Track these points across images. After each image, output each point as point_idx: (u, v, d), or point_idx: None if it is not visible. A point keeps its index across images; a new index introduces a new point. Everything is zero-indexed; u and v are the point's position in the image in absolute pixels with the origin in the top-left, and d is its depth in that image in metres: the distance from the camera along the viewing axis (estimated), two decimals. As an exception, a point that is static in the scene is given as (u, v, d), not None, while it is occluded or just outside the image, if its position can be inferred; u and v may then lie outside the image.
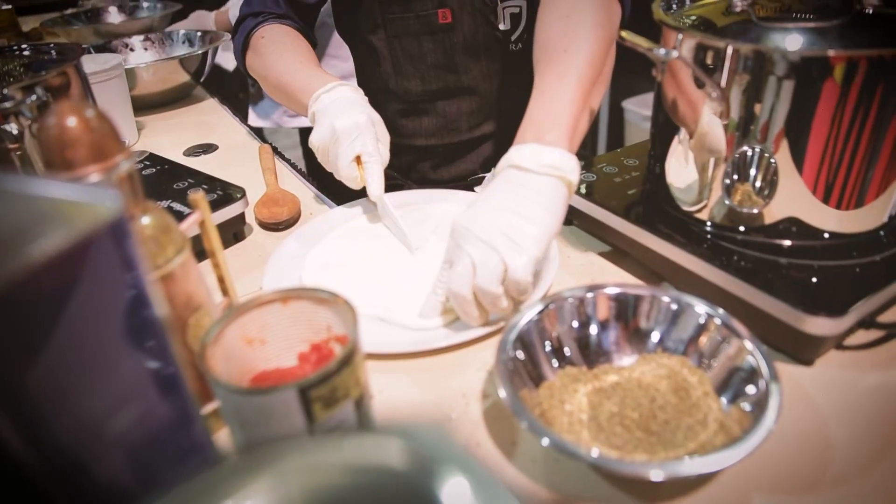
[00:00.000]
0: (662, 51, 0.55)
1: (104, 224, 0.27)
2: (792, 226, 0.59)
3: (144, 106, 1.38)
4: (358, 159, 0.78)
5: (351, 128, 0.77)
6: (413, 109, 1.06)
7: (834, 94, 0.52)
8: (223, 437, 0.53)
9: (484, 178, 0.98)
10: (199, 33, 1.59)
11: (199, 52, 1.43)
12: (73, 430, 0.28)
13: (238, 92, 2.09)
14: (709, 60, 0.56)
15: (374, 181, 0.78)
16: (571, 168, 0.60)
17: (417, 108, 1.06)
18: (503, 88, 1.03)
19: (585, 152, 3.50)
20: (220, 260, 0.58)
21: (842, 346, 0.57)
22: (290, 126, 1.83)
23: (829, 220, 0.59)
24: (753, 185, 0.59)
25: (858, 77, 0.52)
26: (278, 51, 0.93)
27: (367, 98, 0.84)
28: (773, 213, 0.59)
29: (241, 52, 1.00)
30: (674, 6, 0.68)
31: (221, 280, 0.59)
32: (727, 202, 0.61)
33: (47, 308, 0.26)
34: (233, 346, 0.47)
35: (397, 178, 1.14)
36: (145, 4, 2.18)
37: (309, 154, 1.77)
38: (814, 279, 0.56)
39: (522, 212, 0.57)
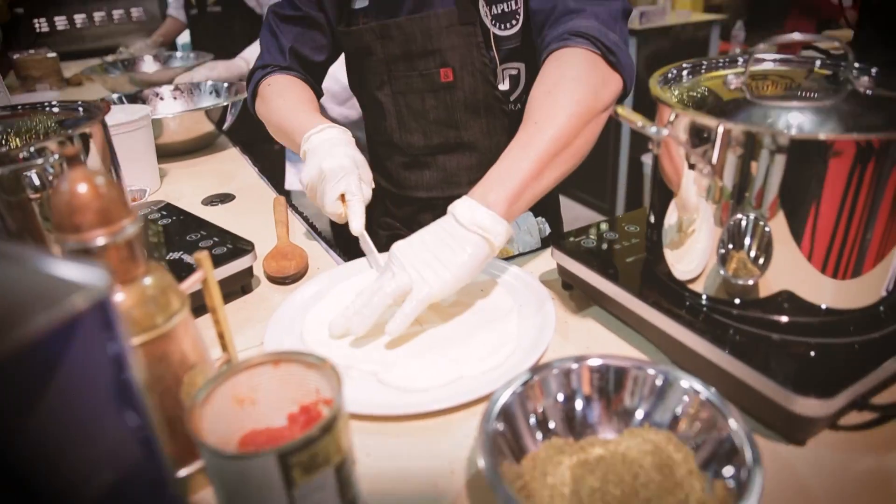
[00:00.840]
0: (653, 128, 0.56)
1: (91, 303, 0.28)
2: (788, 300, 0.59)
3: (169, 153, 1.44)
4: (342, 197, 0.84)
5: (336, 169, 0.84)
6: (415, 162, 1.10)
7: (822, 174, 0.53)
8: (209, 495, 0.53)
9: None
10: (225, 84, 1.66)
11: (225, 103, 1.49)
12: (50, 497, 0.29)
13: (276, 142, 2.16)
14: (700, 138, 0.58)
15: (356, 218, 0.84)
16: (498, 232, 0.70)
17: (419, 162, 1.09)
18: (502, 146, 1.05)
19: (605, 204, 3.53)
20: (220, 317, 0.60)
21: (836, 427, 0.57)
22: None
23: (825, 292, 0.58)
24: (748, 255, 0.59)
25: (846, 158, 0.53)
26: (281, 97, 1.03)
27: (353, 139, 0.92)
28: (769, 285, 0.59)
29: (251, 100, 1.10)
30: (683, 76, 0.70)
31: (221, 336, 0.61)
32: (722, 272, 0.62)
33: (32, 380, 0.27)
34: (223, 406, 0.49)
35: (400, 229, 1.17)
36: (178, 55, 2.28)
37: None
38: (808, 357, 0.56)
39: (441, 257, 0.69)
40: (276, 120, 1.02)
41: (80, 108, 0.81)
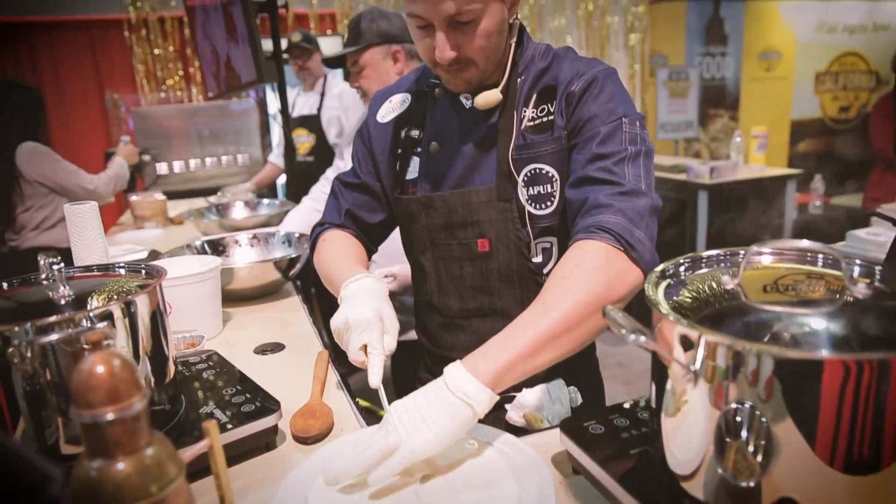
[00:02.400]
0: (632, 336, 0.58)
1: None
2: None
3: (237, 298, 1.55)
4: (365, 348, 0.93)
5: (360, 321, 0.94)
6: (452, 324, 1.15)
7: (809, 391, 0.52)
8: None
9: (514, 396, 1.00)
10: (297, 234, 1.81)
11: (294, 254, 1.62)
12: None
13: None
14: (686, 343, 0.58)
15: (374, 372, 0.91)
16: (480, 400, 0.76)
17: (455, 324, 1.14)
18: None
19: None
20: (223, 482, 0.63)
21: None
22: None
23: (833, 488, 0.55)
24: (743, 450, 0.57)
25: (834, 377, 0.52)
26: (330, 251, 1.18)
27: (387, 288, 1.04)
28: (772, 486, 0.56)
29: (311, 253, 1.24)
30: (680, 273, 0.72)
31: (222, 500, 0.64)
32: (719, 471, 0.59)
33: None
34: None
35: None
36: (265, 202, 2.51)
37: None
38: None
39: (428, 418, 0.75)
40: (325, 270, 1.16)
41: (143, 272, 0.92)
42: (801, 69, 6.18)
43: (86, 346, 0.71)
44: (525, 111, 1.04)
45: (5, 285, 0.91)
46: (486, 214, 1.05)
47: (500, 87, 1.02)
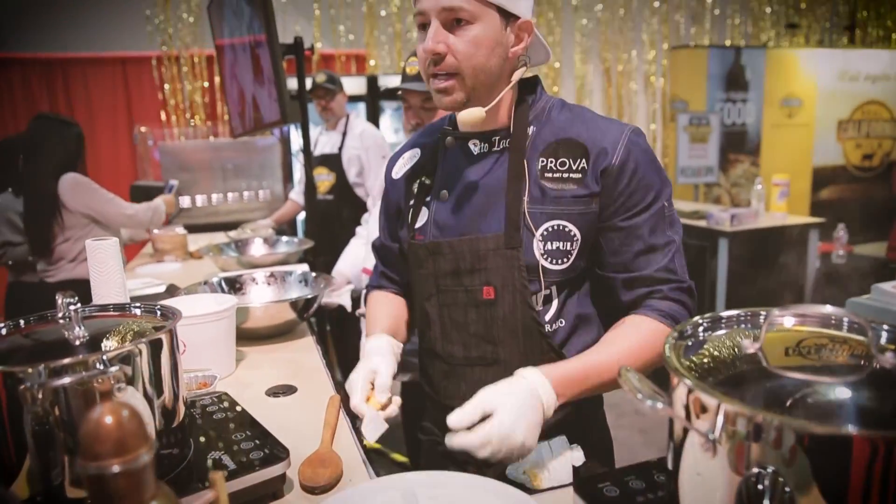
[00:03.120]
0: (648, 402, 0.56)
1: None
2: None
3: (251, 336, 1.55)
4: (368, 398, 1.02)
5: (354, 381, 1.04)
6: (453, 373, 1.13)
7: (832, 463, 0.50)
8: None
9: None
10: (313, 275, 1.81)
11: (310, 295, 1.62)
12: None
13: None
14: (702, 409, 0.57)
15: (364, 425, 1.00)
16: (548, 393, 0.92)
17: (457, 372, 1.13)
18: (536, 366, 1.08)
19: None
20: (227, 536, 0.62)
21: None
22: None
23: None
24: None
25: (858, 452, 0.50)
26: (368, 311, 1.29)
27: (397, 347, 1.16)
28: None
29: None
30: (699, 333, 0.70)
31: (225, 554, 0.63)
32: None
33: None
34: None
35: (438, 436, 1.17)
36: (284, 239, 2.53)
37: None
38: None
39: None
40: (366, 329, 1.28)
41: (159, 313, 0.92)
42: (823, 116, 6.16)
43: (97, 387, 0.71)
44: (541, 161, 1.04)
45: (22, 322, 0.92)
46: (493, 262, 1.05)
47: (486, 108, 1.03)
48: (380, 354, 1.09)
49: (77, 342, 0.82)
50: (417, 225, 1.15)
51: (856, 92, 6.24)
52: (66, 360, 0.74)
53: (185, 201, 4.08)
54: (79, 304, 0.84)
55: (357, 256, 2.24)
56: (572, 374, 0.96)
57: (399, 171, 1.23)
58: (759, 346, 0.62)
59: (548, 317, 1.06)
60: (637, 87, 6.22)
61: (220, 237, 3.25)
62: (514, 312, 1.05)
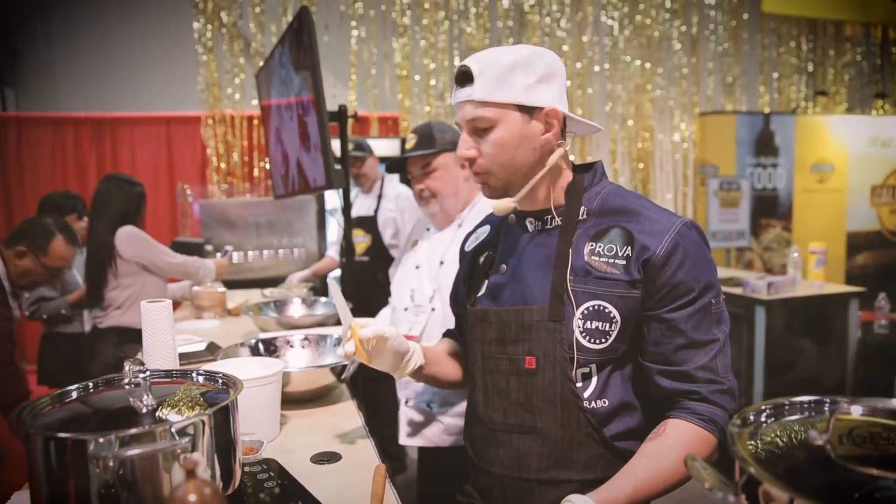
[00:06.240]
0: (720, 495, 0.56)
1: None
2: None
3: (289, 401, 1.56)
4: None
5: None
6: (493, 437, 1.16)
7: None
8: None
9: None
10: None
11: (347, 361, 1.63)
12: None
13: (394, 393, 2.25)
14: (768, 499, 0.57)
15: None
16: None
17: (496, 438, 1.15)
18: (574, 440, 1.08)
19: None
20: None
21: None
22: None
23: None
24: None
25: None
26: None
27: (396, 330, 1.19)
28: None
29: None
30: (762, 419, 0.70)
31: None
32: None
33: None
34: None
35: (476, 500, 1.21)
36: (322, 300, 2.57)
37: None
38: None
39: None
40: None
41: (220, 381, 0.95)
42: (855, 181, 6.13)
43: (182, 465, 0.73)
44: (590, 245, 1.07)
45: (91, 386, 0.95)
46: (537, 333, 1.09)
47: (515, 198, 1.11)
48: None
49: (144, 410, 0.84)
50: (478, 294, 1.22)
51: (888, 157, 6.22)
52: (135, 430, 0.76)
53: (220, 257, 4.18)
54: (147, 372, 0.87)
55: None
56: (621, 499, 0.96)
57: (471, 245, 1.33)
58: (827, 437, 0.62)
59: (587, 393, 1.08)
60: (666, 151, 6.28)
61: (255, 294, 3.31)
62: (553, 384, 1.08)
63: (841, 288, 3.62)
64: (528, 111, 1.07)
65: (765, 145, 5.88)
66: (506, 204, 1.10)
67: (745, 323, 3.32)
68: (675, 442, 1.00)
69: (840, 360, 3.46)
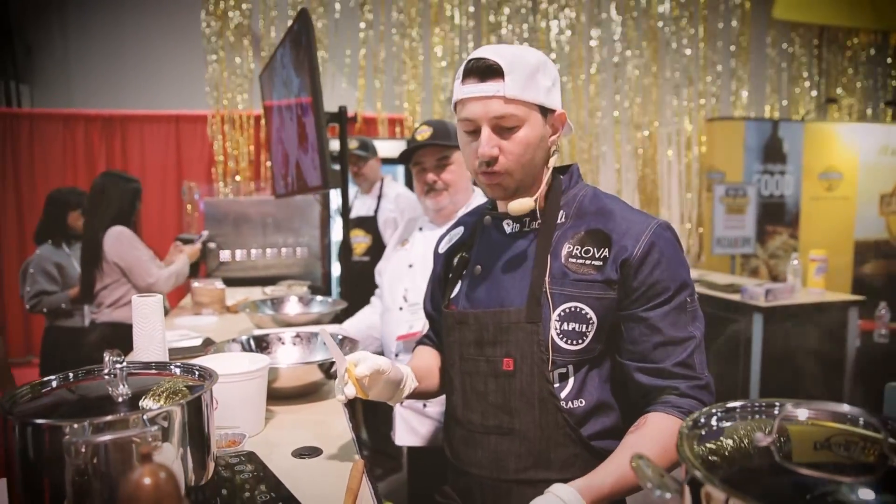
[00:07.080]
0: (658, 492, 0.58)
1: None
2: None
3: (278, 396, 1.59)
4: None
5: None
6: (472, 439, 1.17)
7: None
8: None
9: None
10: (340, 337, 1.85)
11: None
12: None
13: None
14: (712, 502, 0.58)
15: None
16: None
17: (475, 439, 1.17)
18: (552, 440, 1.10)
19: None
20: None
21: None
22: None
23: None
24: None
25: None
26: (413, 357, 1.39)
27: (386, 361, 1.16)
28: None
29: None
30: (712, 424, 0.71)
31: None
32: None
33: None
34: None
35: (455, 501, 1.22)
36: (319, 299, 2.59)
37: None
38: None
39: None
40: None
41: (197, 373, 0.97)
42: (864, 190, 6.09)
43: (139, 448, 0.75)
44: (567, 247, 1.09)
45: (71, 376, 0.97)
46: (514, 335, 1.10)
47: (534, 198, 1.11)
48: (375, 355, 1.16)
49: (120, 399, 0.87)
50: (452, 296, 1.23)
51: (898, 166, 6.19)
52: (110, 418, 0.79)
53: (225, 255, 4.22)
54: (124, 363, 0.89)
55: (362, 321, 2.24)
56: (604, 488, 0.98)
57: (444, 246, 1.33)
58: (771, 439, 0.63)
59: (564, 393, 1.09)
60: (672, 155, 6.26)
61: (256, 292, 3.34)
62: (531, 385, 1.09)
63: (840, 296, 3.60)
64: (545, 113, 1.09)
65: (773, 152, 5.86)
66: (526, 204, 1.09)
67: (742, 330, 3.32)
68: (657, 434, 1.01)
69: (838, 368, 3.45)
